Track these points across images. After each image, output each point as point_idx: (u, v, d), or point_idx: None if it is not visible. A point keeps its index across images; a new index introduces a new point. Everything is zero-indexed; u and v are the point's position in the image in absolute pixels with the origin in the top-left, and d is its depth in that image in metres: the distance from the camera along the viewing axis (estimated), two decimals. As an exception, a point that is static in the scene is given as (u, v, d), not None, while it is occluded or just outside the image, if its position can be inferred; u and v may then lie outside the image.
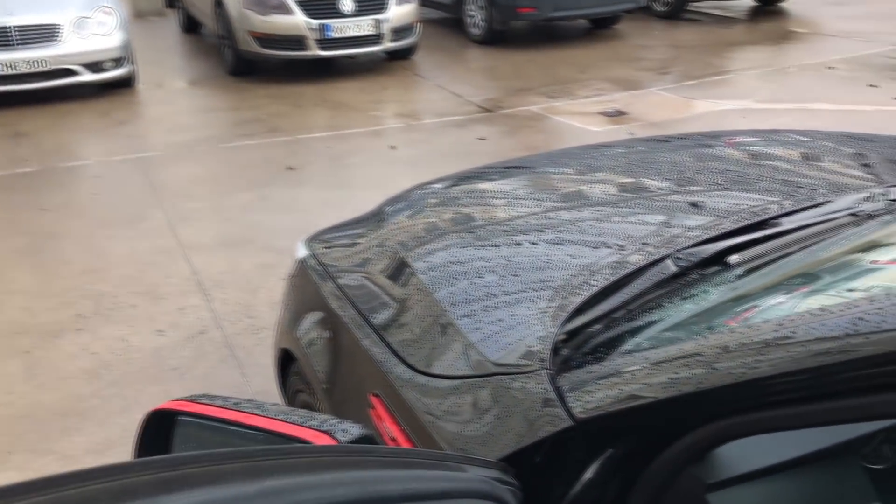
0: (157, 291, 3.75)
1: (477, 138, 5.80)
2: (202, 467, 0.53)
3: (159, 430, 1.01)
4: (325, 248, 2.02)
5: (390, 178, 4.62)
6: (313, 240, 2.11)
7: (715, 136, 2.47)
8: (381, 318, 1.60)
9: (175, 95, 7.36)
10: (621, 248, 1.56)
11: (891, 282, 0.85)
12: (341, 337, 1.69)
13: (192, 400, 0.96)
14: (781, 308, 0.98)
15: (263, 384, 2.98)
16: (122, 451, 2.63)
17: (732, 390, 0.88)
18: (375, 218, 2.10)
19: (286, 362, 2.09)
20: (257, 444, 0.85)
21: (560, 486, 1.13)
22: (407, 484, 0.70)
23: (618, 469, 1.08)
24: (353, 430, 0.85)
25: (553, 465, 1.14)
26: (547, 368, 1.19)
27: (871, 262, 1.07)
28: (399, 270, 1.71)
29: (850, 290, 0.89)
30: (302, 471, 0.58)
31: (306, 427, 0.84)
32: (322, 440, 0.82)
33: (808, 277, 1.10)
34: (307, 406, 1.94)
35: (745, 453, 1.05)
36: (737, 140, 2.32)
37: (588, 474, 1.11)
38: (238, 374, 3.12)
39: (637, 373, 1.01)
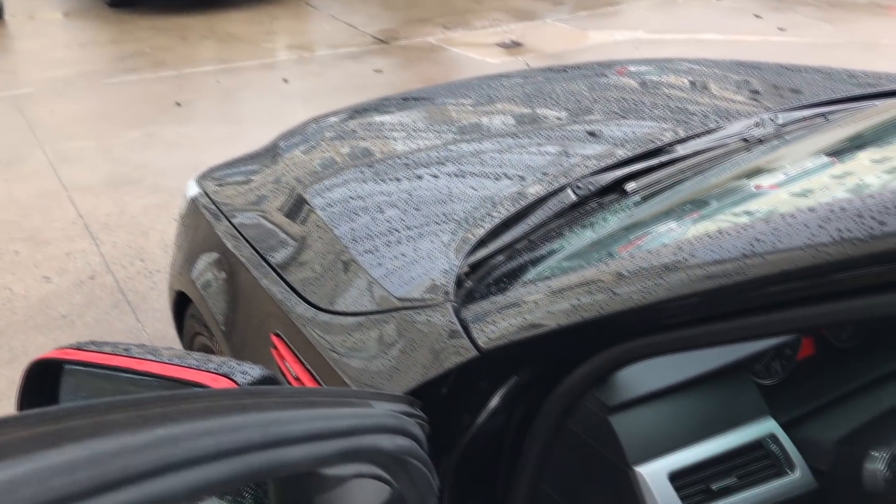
0: (41, 237, 3.56)
1: (373, 70, 5.68)
2: (86, 419, 0.49)
3: (44, 381, 0.95)
4: (218, 186, 1.94)
5: (284, 113, 4.48)
6: (205, 178, 2.02)
7: (610, 65, 2.49)
8: (279, 256, 1.55)
9: (49, 28, 6.89)
10: (522, 178, 1.56)
11: (783, 203, 0.87)
12: (238, 277, 1.63)
13: (79, 347, 0.90)
14: (679, 233, 1.00)
15: (160, 329, 2.89)
16: (9, 404, 2.51)
17: (632, 314, 0.89)
18: (270, 153, 2.03)
19: (182, 305, 2.02)
20: (151, 391, 0.81)
21: (467, 416, 1.14)
22: (311, 424, 0.68)
23: (523, 396, 1.09)
24: (254, 371, 0.82)
25: (460, 396, 1.14)
26: (451, 301, 1.18)
27: (763, 186, 1.09)
28: (297, 207, 1.66)
29: (746, 213, 0.91)
30: (197, 417, 0.55)
31: (203, 370, 0.80)
32: (220, 383, 0.79)
33: (703, 202, 1.12)
34: (206, 349, 1.89)
35: (645, 375, 1.07)
36: (632, 69, 2.34)
37: (494, 403, 1.11)
38: (133, 320, 3.01)
39: (539, 301, 1.01)
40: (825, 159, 1.00)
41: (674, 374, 1.08)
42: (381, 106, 2.24)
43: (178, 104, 5.06)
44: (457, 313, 1.15)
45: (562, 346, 1.04)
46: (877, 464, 0.93)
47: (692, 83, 2.20)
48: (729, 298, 0.82)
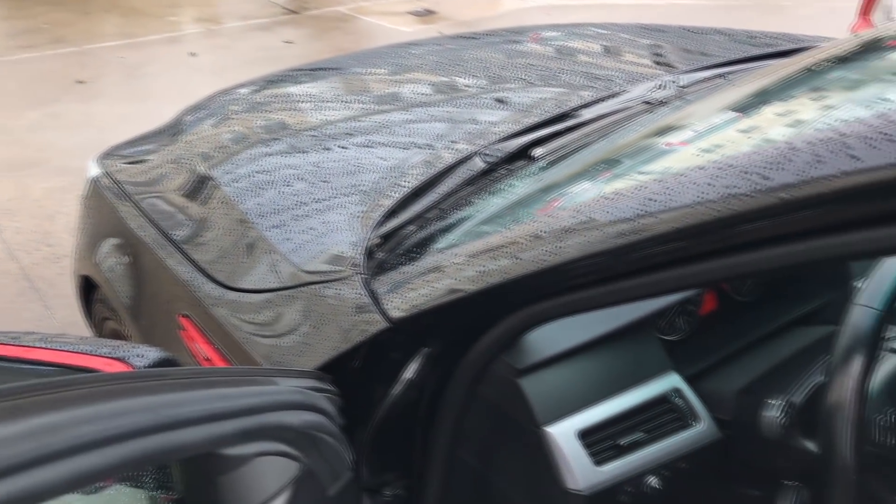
0: (-64, 225, 3.39)
1: (283, 42, 5.56)
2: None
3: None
4: (120, 165, 1.87)
5: (193, 88, 4.33)
6: (106, 157, 1.95)
7: (520, 31, 2.49)
8: (185, 235, 1.51)
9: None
10: (431, 147, 1.55)
11: (679, 162, 0.88)
12: (144, 259, 1.58)
13: (-38, 339, 0.86)
14: (582, 196, 1.01)
15: (70, 315, 2.79)
16: None
17: (537, 277, 0.89)
18: (174, 129, 1.96)
19: (88, 290, 1.95)
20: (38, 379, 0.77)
21: (381, 387, 1.13)
22: (208, 404, 0.67)
23: (435, 364, 1.09)
24: (150, 353, 0.80)
25: (372, 369, 1.13)
26: (360, 273, 1.17)
27: (673, 143, 1.11)
28: (201, 184, 1.62)
29: (643, 173, 0.92)
30: (79, 403, 0.52)
31: (96, 356, 0.77)
32: (115, 368, 0.76)
33: (605, 164, 1.13)
34: (116, 334, 1.83)
35: (552, 337, 1.09)
36: (541, 35, 2.35)
37: (407, 373, 1.11)
38: (40, 307, 2.90)
39: (447, 269, 1.01)
40: (732, 114, 1.02)
41: (580, 335, 1.10)
42: (288, 77, 2.19)
43: (81, 82, 4.86)
44: (366, 285, 1.14)
45: (471, 312, 1.04)
46: (773, 411, 0.97)
47: (599, 48, 2.23)
48: (627, 258, 0.83)
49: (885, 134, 0.65)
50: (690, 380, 1.17)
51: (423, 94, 1.92)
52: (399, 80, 2.07)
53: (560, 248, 0.87)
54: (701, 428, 1.09)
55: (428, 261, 1.08)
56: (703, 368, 1.19)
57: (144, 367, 0.77)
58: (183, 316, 1.42)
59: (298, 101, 1.93)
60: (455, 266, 1.00)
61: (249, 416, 0.73)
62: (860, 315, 0.92)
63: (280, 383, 0.87)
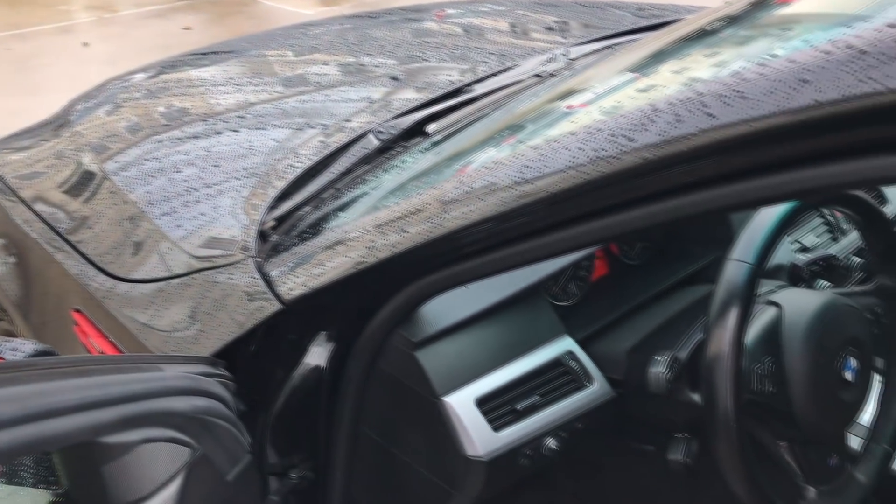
0: None
1: (182, 28, 5.41)
2: None
3: None
4: (3, 158, 1.79)
5: (86, 80, 4.15)
6: (-13, 151, 1.86)
7: (419, 10, 2.48)
8: (73, 228, 1.46)
9: None
10: (325, 128, 1.54)
11: (553, 129, 0.90)
12: (32, 254, 1.53)
13: None
14: (473, 164, 1.02)
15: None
16: None
17: (425, 249, 0.90)
18: (61, 119, 1.89)
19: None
20: None
21: (279, 370, 1.13)
22: (84, 392, 0.65)
23: (333, 344, 1.09)
24: (26, 347, 0.77)
25: (269, 352, 1.12)
26: (253, 256, 1.16)
27: (574, 105, 1.12)
28: (90, 175, 1.57)
29: (522, 142, 0.93)
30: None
31: (-35, 353, 0.75)
32: (-15, 364, 0.73)
33: (491, 136, 1.15)
34: (8, 333, 1.76)
35: (447, 308, 1.10)
36: (439, 13, 2.35)
37: (305, 355, 1.11)
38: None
39: (337, 248, 1.01)
40: (629, 75, 1.05)
41: (473, 305, 1.12)
42: (180, 62, 2.13)
43: (-36, 76, 4.63)
44: (259, 268, 1.13)
45: (364, 289, 1.04)
46: (659, 367, 1.01)
47: (494, 24, 2.24)
48: (509, 224, 0.85)
49: (738, 91, 0.68)
50: (584, 343, 1.20)
51: (318, 74, 1.90)
52: (294, 61, 2.04)
53: (444, 219, 0.88)
54: (594, 388, 1.13)
55: (318, 240, 1.08)
56: (595, 331, 1.23)
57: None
58: (75, 311, 1.38)
59: (190, 87, 1.89)
60: (344, 244, 1.00)
61: (130, 403, 0.72)
62: (734, 270, 0.96)
63: (166, 369, 0.85)
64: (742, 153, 0.69)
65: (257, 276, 1.12)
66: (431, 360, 1.06)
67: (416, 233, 0.92)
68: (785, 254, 1.26)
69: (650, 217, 0.77)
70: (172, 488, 0.83)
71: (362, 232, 0.98)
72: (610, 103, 0.86)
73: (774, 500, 0.99)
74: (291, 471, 1.23)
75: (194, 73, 1.99)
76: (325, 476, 1.21)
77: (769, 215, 0.99)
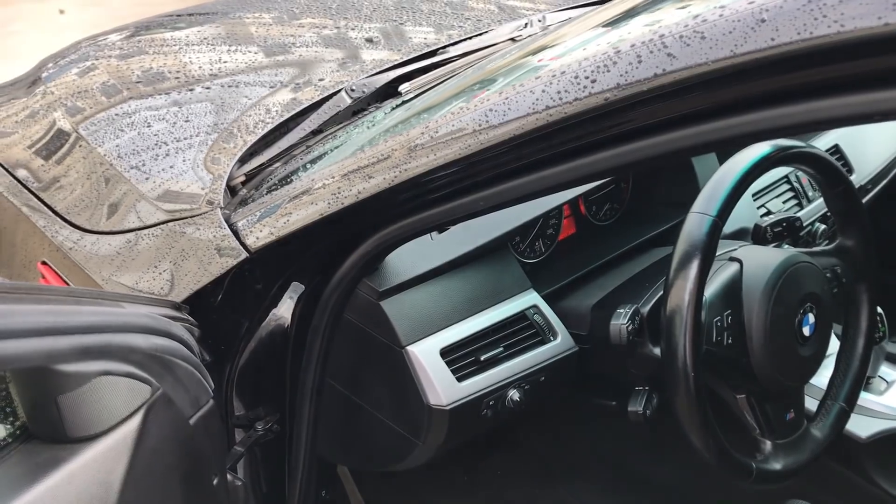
0: None
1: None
2: None
3: None
4: (-29, 115, 1.77)
5: (61, 46, 4.13)
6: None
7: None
8: (41, 181, 1.45)
9: None
10: (298, 86, 1.53)
11: (520, 76, 0.90)
12: (-1, 208, 1.52)
13: None
14: (433, 114, 1.02)
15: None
16: None
17: (390, 196, 0.90)
18: (33, 77, 1.87)
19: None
20: None
21: (246, 319, 1.13)
22: (38, 318, 0.65)
23: (299, 293, 1.09)
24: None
25: (235, 301, 1.12)
26: (220, 207, 1.16)
27: (545, 59, 1.13)
28: (59, 130, 1.55)
29: (488, 90, 0.94)
30: None
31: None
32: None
33: (461, 91, 1.15)
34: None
35: (414, 259, 1.10)
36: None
37: (270, 305, 1.11)
38: None
39: (304, 197, 1.01)
40: (600, 29, 1.05)
41: (440, 257, 1.12)
42: (154, 23, 2.11)
43: (-63, 41, 4.55)
44: (227, 219, 1.13)
45: (331, 238, 1.05)
46: (620, 319, 1.02)
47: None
48: (473, 170, 0.86)
49: (698, 32, 0.69)
50: (551, 299, 1.21)
51: (293, 35, 1.89)
52: (270, 23, 2.02)
53: (409, 165, 0.89)
54: (558, 342, 1.14)
55: (285, 190, 1.08)
56: (562, 288, 1.24)
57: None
58: (42, 263, 1.37)
59: (164, 46, 1.87)
60: (310, 193, 1.00)
61: (89, 334, 0.72)
62: (695, 222, 0.97)
63: (127, 307, 0.85)
64: (701, 93, 0.70)
65: (224, 226, 1.12)
66: (397, 309, 1.07)
67: (382, 179, 0.92)
68: (750, 217, 1.28)
69: (613, 160, 0.78)
70: (132, 425, 0.83)
71: (328, 181, 0.98)
72: (576, 50, 0.86)
73: (730, 453, 1.00)
74: (257, 423, 1.24)
75: (168, 34, 1.97)
76: (291, 428, 1.21)
77: (732, 170, 1.00)
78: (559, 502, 1.72)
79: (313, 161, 1.23)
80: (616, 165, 0.78)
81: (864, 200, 1.66)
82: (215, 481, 1.09)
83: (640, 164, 0.78)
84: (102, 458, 0.80)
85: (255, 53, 1.75)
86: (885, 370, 1.48)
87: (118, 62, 1.80)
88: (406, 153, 0.90)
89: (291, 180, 1.14)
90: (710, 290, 1.02)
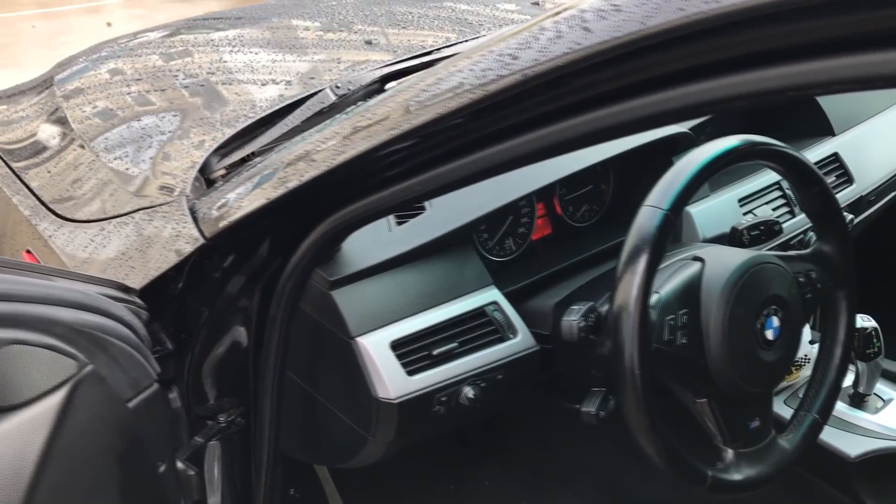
0: None
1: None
2: None
3: None
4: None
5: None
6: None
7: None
8: (33, 172, 1.48)
9: None
10: (288, 83, 1.54)
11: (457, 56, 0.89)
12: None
13: None
14: (379, 97, 1.01)
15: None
16: None
17: (330, 177, 0.89)
18: (46, 76, 1.93)
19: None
20: None
21: (206, 307, 1.13)
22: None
23: (256, 282, 1.09)
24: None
25: (195, 289, 1.12)
26: (186, 196, 1.16)
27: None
28: (57, 125, 1.59)
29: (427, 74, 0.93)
30: None
31: None
32: None
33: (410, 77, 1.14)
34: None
35: (368, 249, 1.09)
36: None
37: (229, 289, 1.11)
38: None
39: (253, 183, 1.00)
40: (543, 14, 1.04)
41: (396, 248, 1.10)
42: (169, 27, 2.16)
43: (-11, 50, 4.72)
44: (190, 207, 1.13)
45: (284, 226, 1.04)
46: (572, 315, 0.99)
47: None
48: (407, 151, 0.85)
49: (615, 5, 0.67)
50: (518, 297, 1.18)
51: (295, 38, 1.91)
52: (277, 26, 2.05)
53: (347, 147, 0.88)
54: (517, 340, 1.11)
55: (239, 178, 1.08)
56: (529, 287, 1.21)
57: None
58: (27, 252, 1.39)
59: (171, 48, 1.90)
60: (259, 178, 1.00)
61: (3, 301, 0.72)
62: (646, 215, 0.94)
63: (60, 282, 0.86)
64: (617, 67, 0.68)
65: (186, 213, 1.12)
66: (347, 300, 1.06)
67: (321, 159, 0.91)
68: (734, 222, 1.24)
69: (549, 137, 0.77)
70: (54, 399, 0.82)
71: (277, 166, 0.98)
72: (511, 32, 0.85)
73: (682, 458, 0.96)
74: (220, 415, 1.23)
75: (178, 37, 2.01)
76: (254, 422, 1.20)
77: (689, 163, 0.97)
78: (545, 514, 1.68)
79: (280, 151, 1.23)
80: (549, 145, 0.77)
81: (867, 213, 1.59)
82: (162, 468, 1.08)
83: (572, 144, 0.76)
84: (17, 431, 0.80)
85: (256, 54, 1.77)
86: (883, 388, 1.41)
87: (122, 63, 1.84)
88: (344, 138, 0.89)
89: (249, 169, 1.14)
90: (667, 287, 0.99)
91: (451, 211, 1.15)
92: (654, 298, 0.97)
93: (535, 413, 1.08)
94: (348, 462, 1.19)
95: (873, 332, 1.32)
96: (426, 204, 1.16)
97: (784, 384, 1.39)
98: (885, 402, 1.39)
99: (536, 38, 0.72)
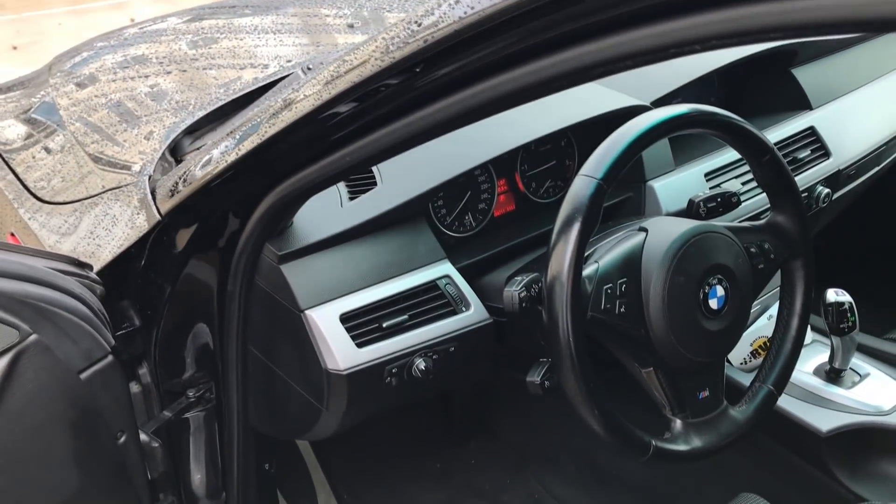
0: None
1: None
2: None
3: None
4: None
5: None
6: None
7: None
8: (19, 157, 1.53)
9: None
10: (265, 66, 1.56)
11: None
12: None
13: None
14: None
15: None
16: None
17: (270, 148, 0.91)
18: (44, 69, 1.98)
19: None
20: None
21: (168, 282, 1.15)
22: None
23: (212, 256, 1.11)
24: None
25: (156, 264, 1.15)
26: (150, 175, 1.19)
27: None
28: (47, 112, 1.63)
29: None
30: None
31: None
32: None
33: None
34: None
35: (318, 223, 1.11)
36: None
37: (189, 267, 1.13)
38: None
39: (200, 159, 1.02)
40: None
41: (347, 221, 1.12)
42: (165, 19, 2.19)
43: (15, 48, 4.83)
44: (151, 186, 1.16)
45: (232, 202, 1.06)
46: (514, 286, 0.99)
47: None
48: (329, 125, 0.86)
49: None
50: (475, 272, 1.19)
51: (281, 24, 1.93)
52: (263, 12, 2.08)
53: (272, 125, 0.89)
54: (469, 314, 1.12)
55: (192, 155, 1.10)
56: (487, 261, 1.22)
57: None
58: (11, 234, 1.44)
59: (163, 37, 1.94)
60: (205, 154, 1.02)
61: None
62: (580, 184, 0.94)
63: (7, 256, 0.89)
64: (517, 29, 0.69)
65: (148, 191, 1.15)
66: (297, 273, 1.07)
67: (263, 130, 0.93)
68: (691, 193, 1.23)
69: (453, 107, 0.78)
70: (-4, 367, 0.85)
71: (220, 141, 1.00)
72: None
73: (623, 425, 0.96)
74: (189, 390, 1.26)
75: (170, 25, 2.05)
76: (224, 397, 1.23)
77: (626, 133, 0.97)
78: (528, 492, 1.69)
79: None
80: (457, 114, 0.78)
81: (848, 188, 1.57)
82: (122, 439, 1.10)
83: (484, 109, 0.77)
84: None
85: (241, 40, 1.80)
86: (859, 363, 1.39)
87: (112, 54, 1.88)
88: (277, 109, 0.91)
89: (201, 147, 1.16)
90: (608, 258, 0.99)
91: (403, 185, 1.16)
92: (591, 268, 0.97)
93: (520, 393, 1.09)
94: (307, 434, 1.21)
95: (848, 307, 1.30)
96: (378, 178, 1.17)
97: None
98: (862, 377, 1.37)
99: (438, 5, 0.73)
